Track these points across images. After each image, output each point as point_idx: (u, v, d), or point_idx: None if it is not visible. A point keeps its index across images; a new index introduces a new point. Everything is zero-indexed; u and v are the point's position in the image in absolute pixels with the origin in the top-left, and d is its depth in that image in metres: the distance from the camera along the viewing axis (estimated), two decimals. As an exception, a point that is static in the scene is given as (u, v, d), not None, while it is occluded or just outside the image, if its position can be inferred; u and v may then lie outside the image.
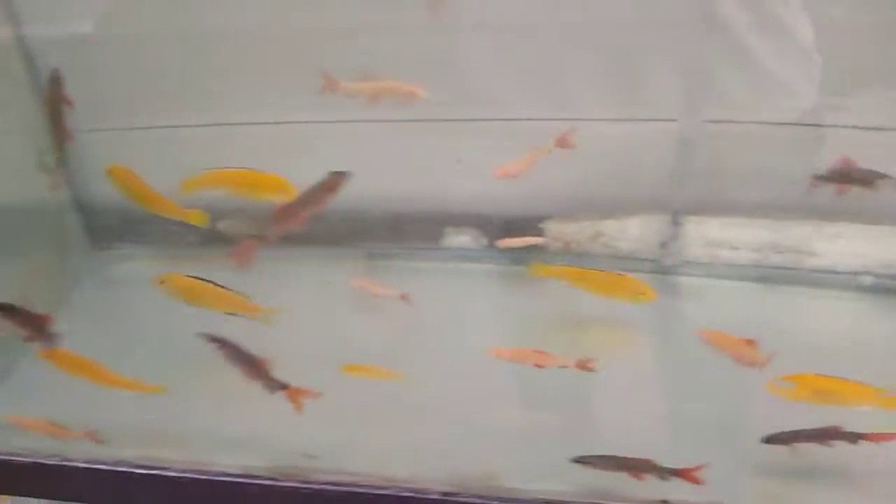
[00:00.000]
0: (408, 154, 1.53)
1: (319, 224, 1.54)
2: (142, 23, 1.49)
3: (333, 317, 1.54)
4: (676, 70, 1.36)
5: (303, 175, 1.50)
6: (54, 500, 1.35)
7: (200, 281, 1.31)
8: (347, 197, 1.48)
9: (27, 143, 1.46)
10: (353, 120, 1.55)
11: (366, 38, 1.44)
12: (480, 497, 1.17)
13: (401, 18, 1.42)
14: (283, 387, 1.26)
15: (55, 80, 1.35)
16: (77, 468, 1.25)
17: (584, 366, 1.26)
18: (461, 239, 1.60)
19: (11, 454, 1.27)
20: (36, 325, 1.26)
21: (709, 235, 1.46)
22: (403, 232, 1.64)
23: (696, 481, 1.09)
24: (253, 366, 1.26)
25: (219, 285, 1.32)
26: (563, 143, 1.34)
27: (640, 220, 1.49)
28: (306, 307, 1.55)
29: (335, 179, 1.22)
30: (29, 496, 1.39)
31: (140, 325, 1.54)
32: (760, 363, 1.16)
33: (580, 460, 1.14)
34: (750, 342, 1.18)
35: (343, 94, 1.30)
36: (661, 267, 1.49)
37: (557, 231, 1.53)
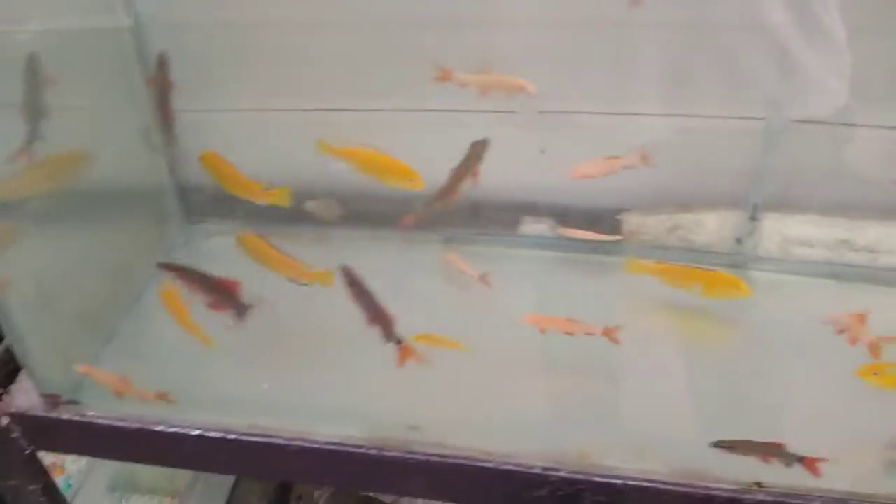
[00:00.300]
0: (493, 142, 1.58)
1: (401, 208, 1.62)
2: (248, 10, 1.54)
3: (416, 294, 1.60)
4: (767, 69, 1.41)
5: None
6: (163, 466, 1.41)
7: (265, 243, 1.40)
8: (431, 183, 1.55)
9: (135, 122, 1.50)
10: (440, 109, 1.61)
11: (469, 30, 1.50)
12: (581, 472, 1.23)
13: (503, 12, 1.48)
14: (399, 341, 1.32)
15: (162, 64, 1.40)
16: (188, 435, 1.31)
17: (610, 334, 1.33)
18: (538, 227, 1.66)
19: (121, 419, 1.33)
20: (225, 293, 1.32)
21: (785, 232, 1.52)
22: (482, 218, 1.70)
23: (817, 473, 1.15)
24: (377, 312, 1.31)
25: (280, 250, 1.41)
26: (644, 161, 1.39)
27: (717, 215, 1.55)
28: (388, 284, 1.59)
29: (479, 147, 1.31)
30: (138, 462, 1.45)
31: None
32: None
33: (718, 444, 1.20)
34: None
35: (456, 83, 1.35)
36: (736, 261, 1.56)
37: (636, 223, 1.59)
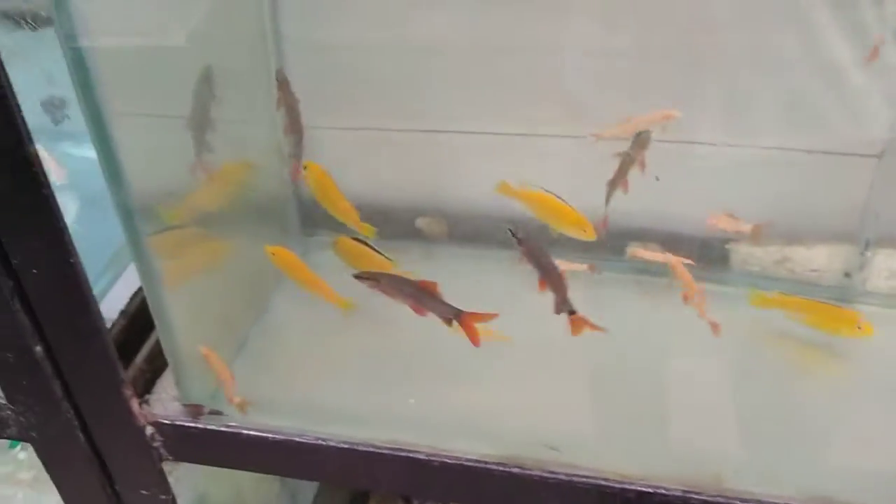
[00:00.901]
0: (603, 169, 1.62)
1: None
2: (372, 33, 1.57)
3: (525, 313, 1.63)
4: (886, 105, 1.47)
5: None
6: (305, 479, 1.43)
7: (361, 244, 1.45)
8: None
9: (267, 137, 1.53)
10: (552, 135, 1.65)
11: (584, 57, 1.55)
12: (722, 497, 1.27)
13: (613, 40, 1.52)
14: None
15: (282, 81, 1.44)
16: (333, 448, 1.33)
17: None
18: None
19: (264, 430, 1.35)
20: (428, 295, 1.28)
21: (894, 267, 1.57)
22: (587, 243, 1.73)
23: None
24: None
25: (376, 250, 1.46)
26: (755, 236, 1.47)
27: (828, 249, 1.60)
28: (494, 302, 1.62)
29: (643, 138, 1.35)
30: (281, 474, 1.47)
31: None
32: None
33: None
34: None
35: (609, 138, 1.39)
36: (843, 295, 1.60)
37: (745, 253, 1.63)
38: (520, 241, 1.30)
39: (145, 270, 1.26)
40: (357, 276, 1.33)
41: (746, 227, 1.43)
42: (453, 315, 1.27)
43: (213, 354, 1.39)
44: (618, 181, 1.40)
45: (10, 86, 0.95)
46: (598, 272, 1.59)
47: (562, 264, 1.35)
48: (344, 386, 1.49)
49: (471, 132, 1.67)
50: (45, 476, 2.04)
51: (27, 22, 1.41)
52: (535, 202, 1.37)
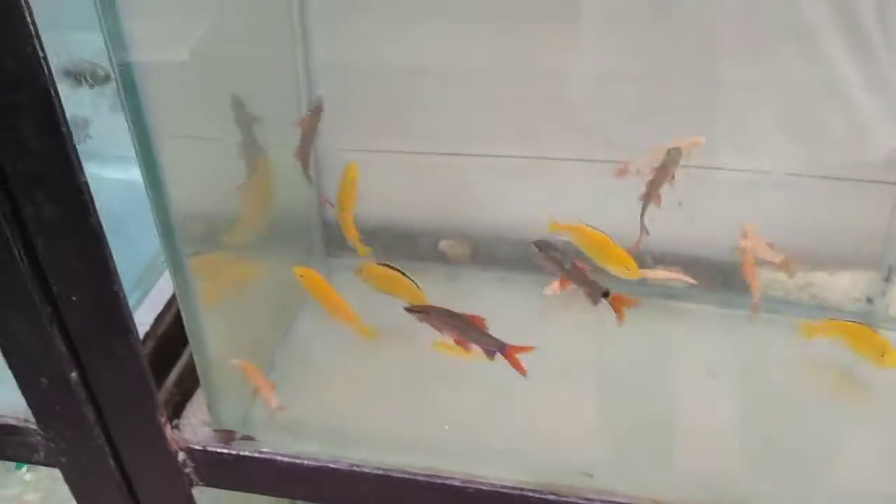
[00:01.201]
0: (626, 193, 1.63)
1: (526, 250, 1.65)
2: (396, 57, 1.57)
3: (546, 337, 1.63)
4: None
5: (522, 203, 1.62)
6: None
7: (390, 269, 1.44)
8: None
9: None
10: (571, 159, 1.66)
11: (608, 82, 1.55)
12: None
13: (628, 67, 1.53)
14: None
15: (317, 109, 1.44)
16: (367, 474, 1.33)
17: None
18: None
19: (297, 456, 1.34)
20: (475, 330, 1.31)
21: (917, 294, 1.60)
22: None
23: None
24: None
25: (405, 275, 1.44)
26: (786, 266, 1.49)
27: (851, 274, 1.61)
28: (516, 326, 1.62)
29: (674, 154, 1.36)
30: (314, 501, 1.46)
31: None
32: None
33: None
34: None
35: (635, 174, 1.40)
36: (866, 321, 1.61)
37: (769, 278, 1.64)
38: (539, 248, 1.34)
39: (184, 291, 1.25)
40: (408, 309, 1.34)
41: (777, 258, 1.44)
42: (498, 348, 1.29)
43: (249, 364, 1.38)
44: (651, 195, 1.40)
45: (66, 121, 0.94)
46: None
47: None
48: (372, 409, 1.49)
49: (492, 155, 1.68)
50: (53, 498, 2.03)
51: (86, 80, 1.43)
52: (583, 237, 1.39)
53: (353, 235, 1.51)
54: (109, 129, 1.61)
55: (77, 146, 0.99)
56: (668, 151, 1.38)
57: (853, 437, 1.45)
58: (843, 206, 1.59)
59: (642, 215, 1.42)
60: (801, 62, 1.48)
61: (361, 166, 1.66)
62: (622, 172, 1.41)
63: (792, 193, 1.60)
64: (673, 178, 1.41)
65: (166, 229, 1.16)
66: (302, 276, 1.47)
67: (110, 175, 1.64)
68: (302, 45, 1.54)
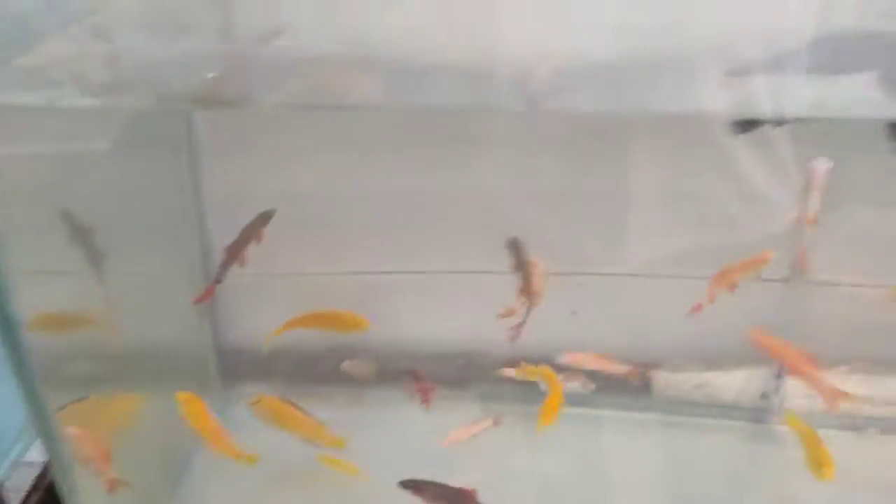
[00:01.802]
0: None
1: (438, 366, 1.65)
2: (293, 186, 1.59)
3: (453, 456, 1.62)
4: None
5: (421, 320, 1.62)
6: None
7: (287, 404, 1.43)
8: (463, 341, 1.61)
9: (186, 287, 1.51)
10: (474, 271, 1.67)
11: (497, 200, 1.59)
12: None
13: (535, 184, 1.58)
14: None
15: (266, 218, 1.45)
16: None
17: None
18: (570, 385, 1.71)
19: None
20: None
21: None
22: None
23: None
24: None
25: (303, 410, 1.43)
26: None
27: (744, 372, 1.65)
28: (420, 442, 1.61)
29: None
30: None
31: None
32: None
33: None
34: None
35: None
36: (761, 416, 1.65)
37: (665, 379, 1.67)
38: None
39: (53, 449, 1.19)
40: (403, 485, 1.35)
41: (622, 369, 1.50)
42: None
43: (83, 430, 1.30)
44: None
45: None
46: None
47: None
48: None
49: (395, 272, 1.68)
50: None
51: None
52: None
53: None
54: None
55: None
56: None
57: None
58: (734, 303, 1.63)
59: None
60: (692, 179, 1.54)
61: (259, 290, 1.66)
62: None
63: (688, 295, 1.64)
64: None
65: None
66: (185, 402, 1.42)
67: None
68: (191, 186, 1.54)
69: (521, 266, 1.43)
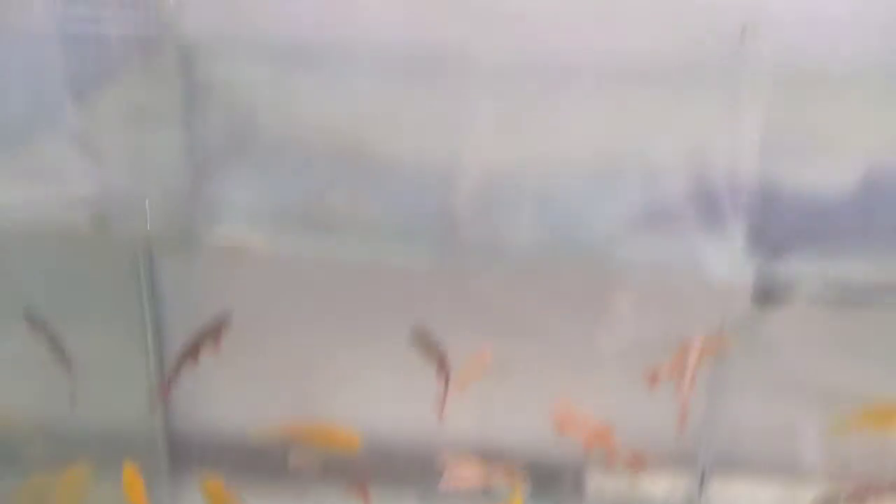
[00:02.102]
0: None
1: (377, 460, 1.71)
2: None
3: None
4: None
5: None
6: None
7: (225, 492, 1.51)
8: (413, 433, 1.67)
9: (136, 372, 1.61)
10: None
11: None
12: None
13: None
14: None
15: (224, 323, 1.56)
16: None
17: None
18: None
19: None
20: None
21: (730, 491, 1.68)
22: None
23: None
24: None
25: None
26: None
27: (670, 477, 1.71)
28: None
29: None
30: None
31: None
32: None
33: None
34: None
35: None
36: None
37: (599, 481, 1.73)
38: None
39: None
40: None
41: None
42: None
43: None
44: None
45: None
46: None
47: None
48: None
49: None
50: None
51: None
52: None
53: None
54: None
55: None
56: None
57: None
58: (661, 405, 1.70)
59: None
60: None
61: (208, 378, 1.74)
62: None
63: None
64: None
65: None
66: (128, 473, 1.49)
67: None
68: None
69: (432, 354, 1.51)
